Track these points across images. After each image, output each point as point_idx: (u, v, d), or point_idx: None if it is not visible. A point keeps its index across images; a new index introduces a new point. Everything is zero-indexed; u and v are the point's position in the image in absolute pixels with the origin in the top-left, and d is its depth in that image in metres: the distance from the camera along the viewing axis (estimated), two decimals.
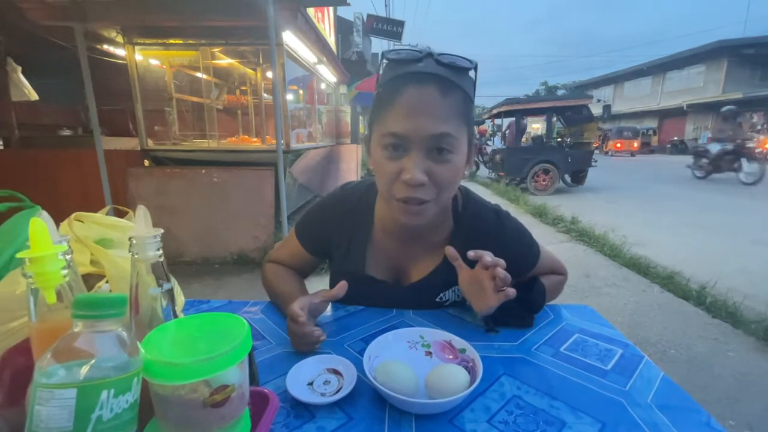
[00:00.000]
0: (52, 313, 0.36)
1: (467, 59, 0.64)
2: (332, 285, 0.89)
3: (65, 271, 0.36)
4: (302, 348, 0.63)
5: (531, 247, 0.81)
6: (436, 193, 0.64)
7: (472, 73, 0.66)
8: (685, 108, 21.44)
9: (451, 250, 0.67)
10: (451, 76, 0.62)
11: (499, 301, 0.64)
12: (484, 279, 0.65)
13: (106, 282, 0.54)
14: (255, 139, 4.57)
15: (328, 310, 0.81)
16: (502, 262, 0.63)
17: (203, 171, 3.40)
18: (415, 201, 0.63)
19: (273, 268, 0.88)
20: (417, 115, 0.60)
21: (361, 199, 0.83)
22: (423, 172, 0.61)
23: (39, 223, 0.34)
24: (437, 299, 0.81)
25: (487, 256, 0.63)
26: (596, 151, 7.49)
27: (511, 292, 0.62)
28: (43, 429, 0.27)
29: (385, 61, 0.67)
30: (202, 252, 3.36)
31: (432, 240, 0.79)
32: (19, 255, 0.33)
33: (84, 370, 0.28)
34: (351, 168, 6.66)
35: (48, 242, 0.34)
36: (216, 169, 3.44)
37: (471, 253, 0.64)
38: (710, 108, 20.51)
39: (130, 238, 0.39)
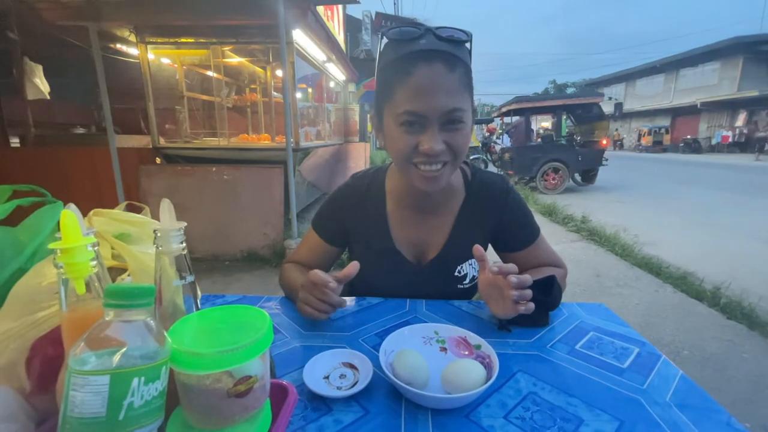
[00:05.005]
0: (82, 303, 0.36)
1: (463, 31, 0.68)
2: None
3: (94, 263, 0.37)
4: (316, 312, 0.67)
5: (531, 222, 0.86)
6: (451, 156, 0.70)
7: (468, 44, 0.71)
8: (698, 106, 21.04)
9: (478, 250, 0.67)
10: (453, 51, 0.67)
11: (517, 312, 0.63)
12: (505, 288, 0.64)
13: (128, 275, 0.55)
14: (264, 135, 4.60)
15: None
16: (527, 279, 0.62)
17: (214, 169, 3.44)
18: (434, 162, 0.69)
19: (290, 266, 0.89)
20: (431, 93, 0.65)
21: (372, 182, 0.88)
22: (440, 143, 0.67)
23: (70, 216, 0.34)
24: (456, 272, 0.83)
25: (513, 277, 0.62)
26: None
27: (531, 307, 0.63)
28: (77, 414, 0.28)
29: (385, 39, 0.70)
30: (212, 249, 3.39)
31: (445, 210, 0.84)
32: (51, 246, 0.34)
33: (116, 357, 0.29)
34: (359, 166, 6.67)
35: (78, 234, 0.35)
36: (226, 166, 3.47)
37: (494, 269, 0.64)
38: (725, 106, 20.11)
39: (154, 231, 0.40)
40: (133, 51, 4.08)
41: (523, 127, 7.88)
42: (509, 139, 8.65)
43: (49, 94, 4.38)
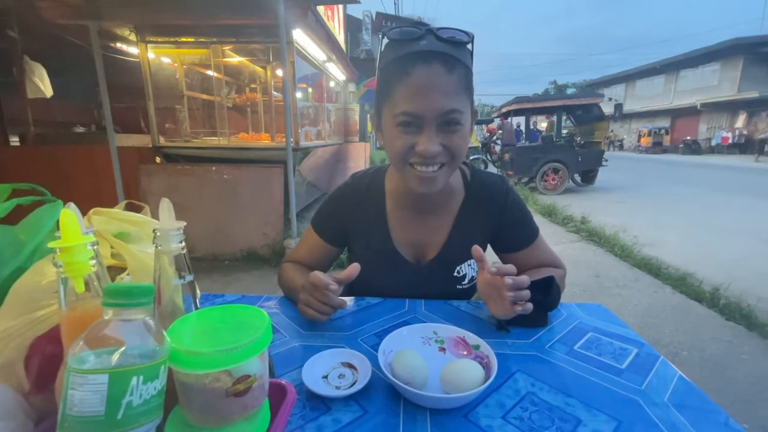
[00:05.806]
0: (81, 302, 0.36)
1: (464, 32, 0.68)
2: None
3: (93, 262, 0.37)
4: (317, 314, 0.68)
5: (530, 222, 0.87)
6: (449, 158, 0.70)
7: (469, 45, 0.70)
8: (698, 107, 21.05)
9: (477, 251, 0.67)
10: (452, 52, 0.66)
11: (515, 312, 0.64)
12: (504, 288, 0.64)
13: (128, 274, 0.55)
14: (264, 135, 4.60)
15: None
16: (524, 280, 0.62)
17: (213, 168, 3.44)
18: (431, 163, 0.69)
19: (289, 265, 0.89)
20: (428, 94, 0.65)
21: (372, 182, 0.88)
22: (437, 144, 0.67)
23: (69, 215, 0.34)
24: (455, 273, 0.83)
25: (508, 278, 0.62)
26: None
27: (529, 307, 0.63)
28: (76, 413, 0.28)
29: (386, 39, 0.70)
30: (211, 248, 3.39)
31: (445, 210, 0.84)
32: (50, 244, 0.34)
33: (115, 356, 0.29)
34: (359, 166, 6.65)
35: (78, 233, 0.35)
36: (226, 166, 3.47)
37: (493, 269, 0.63)
38: (725, 107, 20.12)
39: (154, 230, 0.40)
40: (133, 50, 4.08)
41: (508, 127, 7.93)
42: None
43: (51, 91, 4.38)
